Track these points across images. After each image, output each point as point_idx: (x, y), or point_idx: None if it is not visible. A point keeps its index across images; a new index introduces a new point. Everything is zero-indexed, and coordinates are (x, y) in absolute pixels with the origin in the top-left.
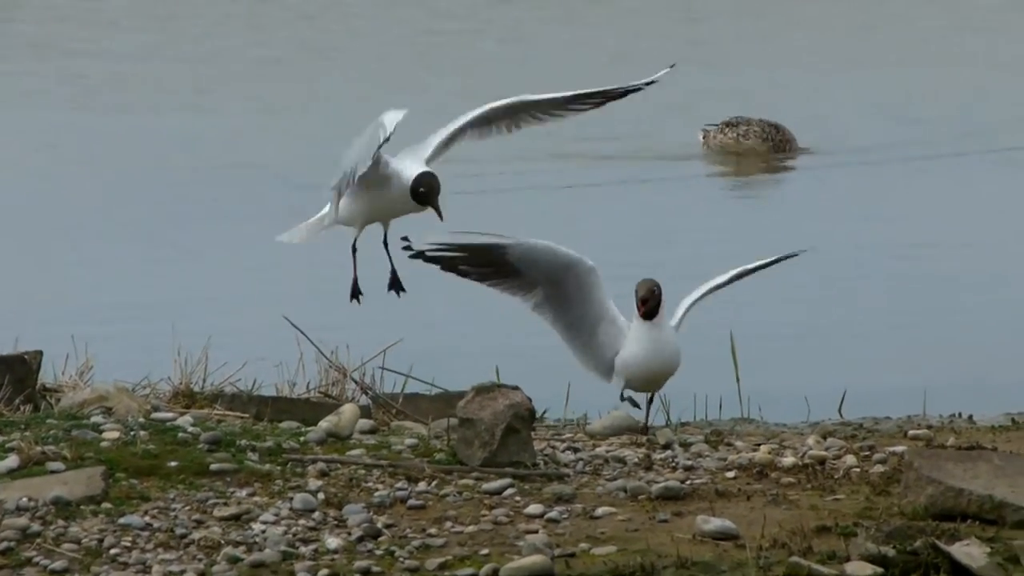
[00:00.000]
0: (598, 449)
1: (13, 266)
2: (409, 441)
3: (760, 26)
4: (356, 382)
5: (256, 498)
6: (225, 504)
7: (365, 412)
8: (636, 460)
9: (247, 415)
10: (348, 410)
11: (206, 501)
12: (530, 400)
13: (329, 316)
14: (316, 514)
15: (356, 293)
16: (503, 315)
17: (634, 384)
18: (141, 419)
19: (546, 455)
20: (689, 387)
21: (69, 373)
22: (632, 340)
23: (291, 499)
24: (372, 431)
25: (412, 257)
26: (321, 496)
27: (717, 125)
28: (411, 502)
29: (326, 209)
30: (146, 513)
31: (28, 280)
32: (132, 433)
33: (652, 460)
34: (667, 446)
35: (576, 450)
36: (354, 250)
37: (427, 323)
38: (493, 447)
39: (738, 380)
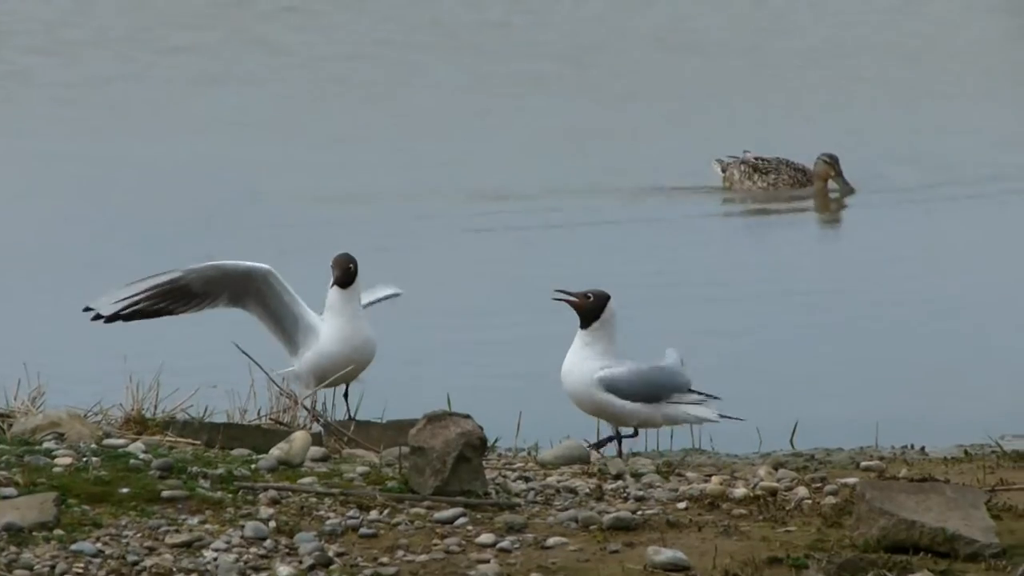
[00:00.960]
0: (549, 479)
1: None
2: (361, 469)
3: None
4: (307, 409)
5: (208, 525)
6: (177, 531)
7: (317, 440)
8: (587, 490)
9: (199, 442)
10: (299, 437)
11: (158, 528)
12: (481, 429)
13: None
14: (268, 542)
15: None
16: (451, 345)
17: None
18: (93, 445)
19: (497, 484)
20: None
21: (21, 398)
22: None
23: (243, 527)
24: (324, 459)
25: (107, 322)
26: (272, 524)
27: (735, 159)
28: (363, 531)
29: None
30: (98, 540)
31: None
32: (84, 459)
33: (603, 490)
34: (618, 476)
35: (527, 479)
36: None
37: (378, 354)
38: (445, 475)
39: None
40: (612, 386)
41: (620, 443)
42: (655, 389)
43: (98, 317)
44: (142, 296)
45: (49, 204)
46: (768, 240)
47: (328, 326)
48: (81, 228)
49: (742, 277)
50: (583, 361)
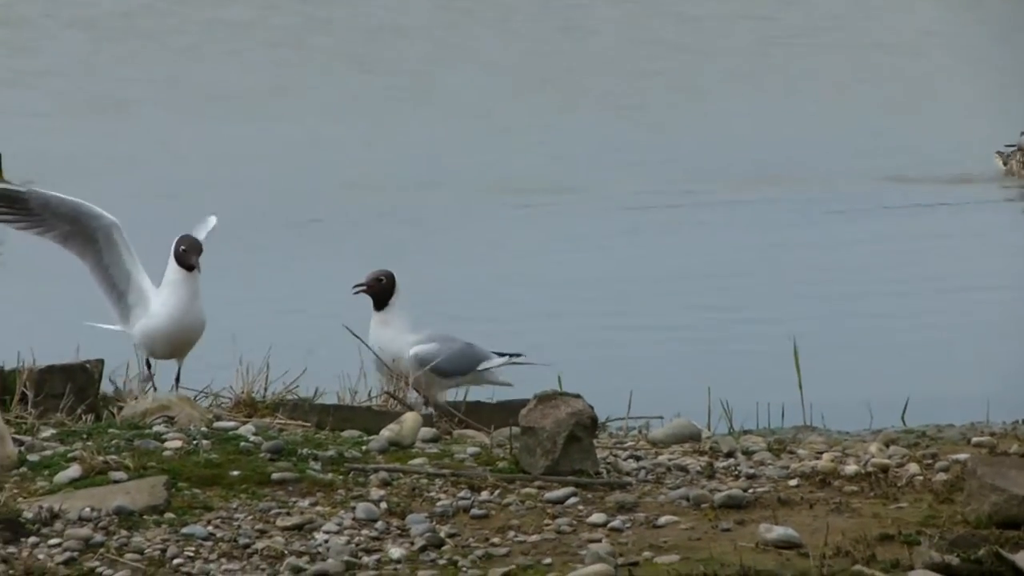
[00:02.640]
0: (660, 457)
1: (78, 274)
2: (471, 450)
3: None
4: (417, 390)
5: (319, 508)
6: (288, 514)
7: (427, 421)
8: (698, 468)
9: (309, 424)
10: (410, 418)
11: (269, 511)
12: (592, 408)
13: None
14: (379, 524)
15: None
16: (564, 325)
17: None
18: (203, 428)
19: (608, 463)
20: (751, 395)
21: (131, 382)
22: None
23: (354, 509)
24: (434, 440)
25: None
26: (384, 506)
27: (1014, 147)
28: (474, 511)
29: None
30: (209, 523)
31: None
32: (194, 442)
33: (714, 468)
34: (730, 454)
35: (638, 458)
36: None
37: (486, 332)
38: (555, 455)
39: (801, 388)
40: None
41: None
42: (468, 363)
43: None
44: None
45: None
46: None
47: (163, 299)
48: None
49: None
50: (392, 341)
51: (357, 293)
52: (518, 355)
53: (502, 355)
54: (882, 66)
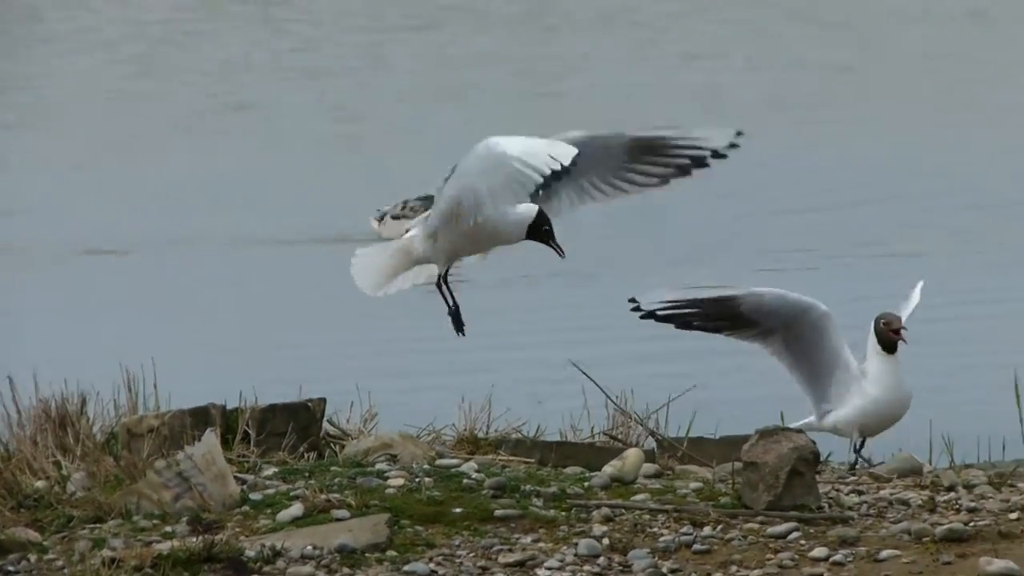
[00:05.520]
0: (882, 492)
1: (304, 315)
2: (694, 485)
3: None
4: (642, 425)
5: (541, 544)
6: (510, 550)
7: (650, 456)
8: (920, 502)
9: (531, 460)
10: (632, 454)
11: (491, 547)
12: (814, 443)
13: (613, 363)
14: (601, 560)
15: (460, 325)
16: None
17: (871, 428)
18: (426, 465)
19: (830, 498)
20: (972, 428)
21: (354, 421)
22: (873, 381)
23: (576, 545)
24: (656, 475)
25: (643, 318)
26: (606, 541)
27: None
28: (696, 547)
29: (399, 243)
30: (431, 560)
31: (315, 329)
32: (417, 480)
33: (936, 502)
34: (951, 488)
35: (860, 493)
36: (445, 282)
37: (712, 369)
38: (778, 490)
39: (1022, 420)
40: None
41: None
42: None
43: (638, 309)
44: (685, 303)
45: None
46: None
47: (875, 379)
48: None
49: None
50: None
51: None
52: None
53: None
54: None
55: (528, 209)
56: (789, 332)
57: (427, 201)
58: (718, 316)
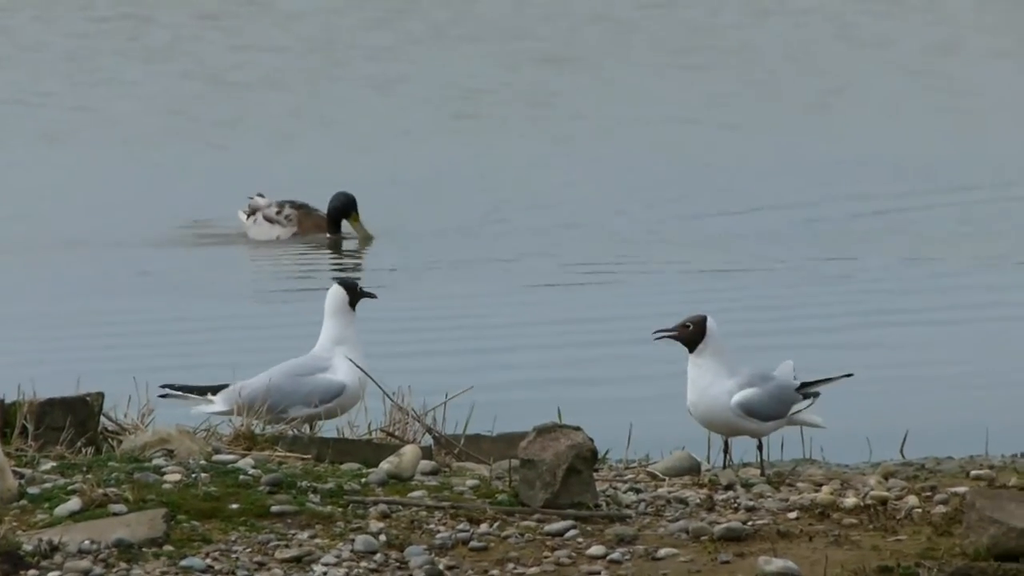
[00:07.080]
0: (660, 490)
1: (78, 308)
2: (471, 482)
3: None
4: (419, 422)
5: (317, 540)
6: (287, 546)
7: (427, 453)
8: (698, 501)
9: (308, 456)
10: (409, 451)
11: (267, 543)
12: (592, 441)
13: (394, 359)
14: (378, 556)
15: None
16: (564, 358)
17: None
18: (203, 461)
19: (608, 496)
20: None
21: (131, 416)
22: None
23: (352, 541)
24: (433, 472)
25: None
26: (383, 538)
27: None
28: (473, 544)
29: None
30: (208, 555)
31: (91, 323)
32: (194, 475)
33: (714, 501)
34: (729, 487)
35: (638, 491)
36: None
37: (487, 365)
38: (555, 488)
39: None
40: (750, 410)
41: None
42: (785, 406)
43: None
44: None
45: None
46: None
47: None
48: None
49: None
50: (710, 386)
51: (659, 338)
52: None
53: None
54: None
55: None
56: None
57: (303, 209)
58: None
